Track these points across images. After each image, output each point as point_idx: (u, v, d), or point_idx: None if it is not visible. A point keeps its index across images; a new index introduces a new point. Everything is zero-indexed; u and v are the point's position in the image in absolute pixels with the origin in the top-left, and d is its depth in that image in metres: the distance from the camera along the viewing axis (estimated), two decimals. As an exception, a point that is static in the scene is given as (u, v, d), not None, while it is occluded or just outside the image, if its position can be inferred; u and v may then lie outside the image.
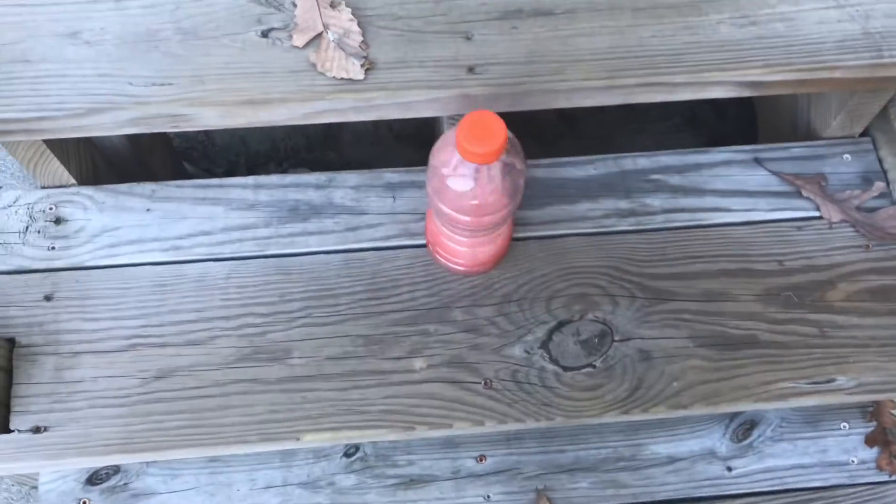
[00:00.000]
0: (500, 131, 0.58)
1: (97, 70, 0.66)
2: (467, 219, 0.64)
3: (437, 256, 0.75)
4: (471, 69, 0.68)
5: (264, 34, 0.68)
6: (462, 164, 0.60)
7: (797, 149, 0.85)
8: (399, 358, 0.72)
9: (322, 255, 0.76)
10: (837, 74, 0.70)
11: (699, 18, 0.71)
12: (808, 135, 0.89)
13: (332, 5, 0.69)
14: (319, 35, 0.68)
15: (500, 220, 0.66)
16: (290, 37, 0.68)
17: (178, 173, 1.12)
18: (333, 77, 0.66)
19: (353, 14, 0.69)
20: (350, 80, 0.66)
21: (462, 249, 0.71)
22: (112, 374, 0.70)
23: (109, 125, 0.65)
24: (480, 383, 0.71)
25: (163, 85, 0.65)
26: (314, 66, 0.66)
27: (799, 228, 0.80)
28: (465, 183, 0.61)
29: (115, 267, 0.74)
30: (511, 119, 0.60)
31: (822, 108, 0.86)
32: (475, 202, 0.62)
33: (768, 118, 1.02)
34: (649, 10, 0.71)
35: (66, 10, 0.68)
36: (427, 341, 0.72)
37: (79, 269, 0.74)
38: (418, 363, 0.72)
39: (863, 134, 0.86)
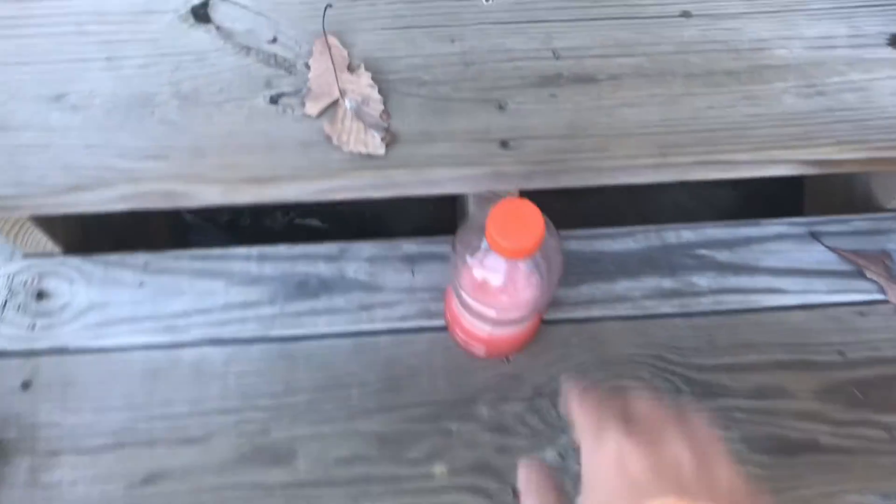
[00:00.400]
0: (538, 224, 0.50)
1: (84, 140, 0.58)
2: (492, 313, 0.57)
3: (456, 337, 0.68)
4: (504, 143, 0.60)
5: (273, 100, 0.61)
6: (490, 254, 0.52)
7: (858, 221, 0.77)
8: (417, 461, 0.64)
9: (331, 339, 0.69)
10: (916, 153, 0.62)
11: (760, 87, 0.63)
12: (868, 205, 0.81)
13: (350, 68, 0.62)
14: (335, 102, 0.60)
15: (528, 314, 0.58)
16: (303, 104, 0.60)
17: (177, 223, 1.05)
18: (350, 151, 0.59)
19: (373, 78, 0.61)
20: (369, 155, 0.59)
21: (484, 335, 0.64)
22: (94, 477, 0.62)
23: (96, 203, 0.58)
24: (509, 493, 0.63)
25: (157, 158, 0.58)
26: (329, 138, 0.59)
27: (862, 314, 0.72)
28: (493, 276, 0.54)
29: (102, 351, 0.67)
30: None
31: (885, 176, 0.78)
32: (503, 297, 0.55)
33: (818, 185, 0.94)
34: (704, 76, 0.63)
35: (53, 70, 0.61)
36: (448, 442, 0.65)
37: (62, 352, 0.67)
38: (438, 468, 0.64)
39: (929, 205, 0.79)
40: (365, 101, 0.60)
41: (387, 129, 0.60)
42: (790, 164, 0.62)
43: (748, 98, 0.63)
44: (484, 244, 0.52)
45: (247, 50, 0.62)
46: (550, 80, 0.63)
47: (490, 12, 0.65)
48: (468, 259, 0.54)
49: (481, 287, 0.55)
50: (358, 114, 0.60)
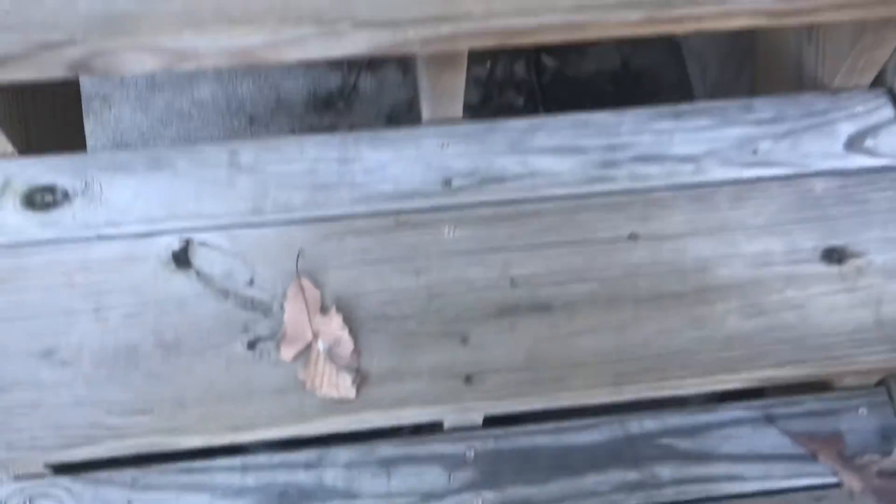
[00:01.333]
0: None
1: (73, 396, 0.62)
2: None
3: None
4: (468, 378, 0.64)
5: (251, 345, 0.65)
6: None
7: (811, 402, 0.81)
8: None
9: (312, 553, 0.72)
10: (853, 368, 0.67)
11: (705, 309, 0.68)
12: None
13: (323, 310, 0.66)
14: (309, 346, 0.64)
15: None
16: (278, 348, 0.64)
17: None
18: (323, 395, 0.63)
19: (344, 319, 0.65)
20: (341, 398, 0.63)
21: None
22: None
23: (83, 457, 0.61)
24: None
25: (142, 412, 0.62)
26: (303, 383, 0.63)
27: (818, 500, 0.76)
28: None
29: (90, 577, 0.70)
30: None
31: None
32: None
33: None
34: (652, 300, 0.68)
35: (42, 325, 0.65)
36: None
37: (53, 577, 0.69)
38: None
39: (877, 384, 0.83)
40: (336, 342, 0.65)
41: (357, 370, 0.64)
42: (734, 383, 0.67)
43: (694, 321, 0.67)
44: None
45: (225, 294, 0.67)
46: (509, 310, 0.67)
47: (452, 242, 0.70)
48: None
49: None
50: (330, 355, 0.64)
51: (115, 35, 0.62)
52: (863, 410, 0.81)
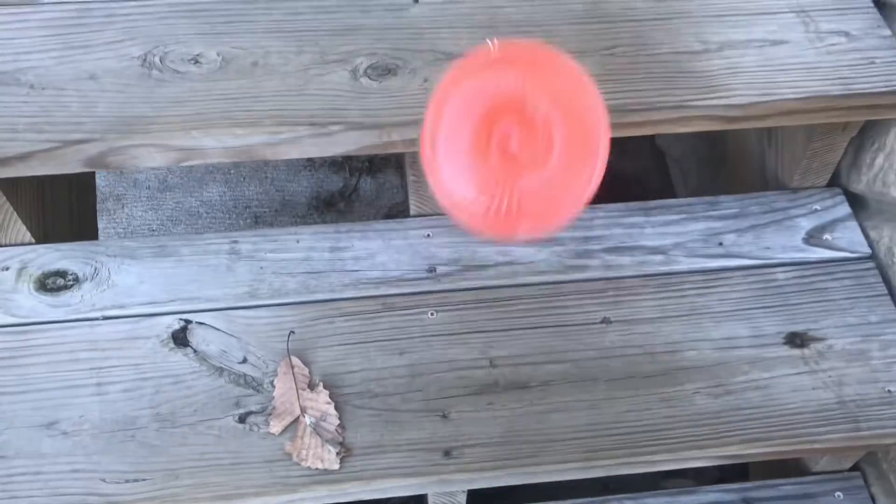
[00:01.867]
0: None
1: (72, 465, 0.65)
2: None
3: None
4: (447, 452, 0.67)
5: (242, 419, 0.68)
6: None
7: (787, 486, 0.83)
8: None
9: None
10: (816, 446, 0.70)
11: (674, 389, 0.72)
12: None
13: (311, 386, 0.70)
14: (296, 420, 0.68)
15: None
16: (268, 422, 0.68)
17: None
18: (309, 467, 0.66)
19: (330, 395, 0.69)
20: (325, 469, 0.66)
21: None
22: None
23: (78, 526, 0.64)
24: None
25: (136, 481, 0.65)
26: (289, 455, 0.66)
27: (795, 583, 0.77)
28: None
29: None
30: None
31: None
32: None
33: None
34: (624, 380, 0.72)
35: (47, 397, 0.69)
36: None
37: None
38: None
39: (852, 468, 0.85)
40: (323, 416, 0.68)
41: (342, 444, 0.67)
42: (703, 460, 0.69)
43: (664, 400, 0.71)
44: None
45: (220, 371, 0.71)
46: (488, 388, 0.71)
47: (434, 325, 0.75)
48: None
49: None
50: (316, 429, 0.67)
51: (129, 134, 0.69)
52: (839, 494, 0.83)
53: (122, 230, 1.35)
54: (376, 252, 0.79)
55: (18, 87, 0.72)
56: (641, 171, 1.43)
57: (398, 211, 1.38)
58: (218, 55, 0.74)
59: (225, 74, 0.73)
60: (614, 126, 0.71)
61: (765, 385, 0.72)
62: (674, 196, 1.36)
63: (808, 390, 0.72)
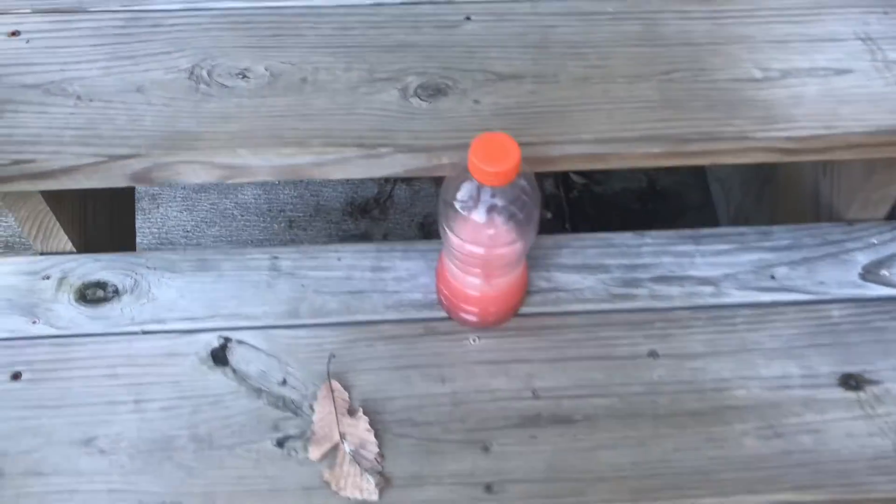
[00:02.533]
0: (514, 152, 0.59)
1: (108, 485, 0.65)
2: (481, 251, 0.64)
3: (451, 306, 0.73)
4: (488, 487, 0.66)
5: (280, 443, 0.67)
6: (477, 190, 0.61)
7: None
8: None
9: None
10: (873, 496, 0.67)
11: (722, 428, 0.69)
12: None
13: (350, 412, 0.69)
14: (336, 446, 0.67)
15: (513, 254, 0.66)
16: (306, 447, 0.67)
17: None
18: (347, 497, 0.64)
19: (370, 422, 0.68)
20: (364, 501, 0.64)
21: (476, 294, 0.70)
22: None
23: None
24: None
25: (172, 504, 0.64)
26: (328, 483, 0.65)
27: None
28: (479, 210, 0.62)
29: None
30: None
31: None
32: (489, 231, 0.63)
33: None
34: (670, 417, 0.70)
35: (85, 413, 0.68)
36: None
37: None
38: None
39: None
40: (362, 444, 0.67)
41: (381, 473, 0.66)
42: (754, 506, 0.67)
43: (711, 440, 0.69)
44: (470, 184, 0.61)
45: (258, 392, 0.70)
46: (531, 420, 0.69)
47: (476, 351, 0.73)
48: (457, 201, 0.62)
49: (465, 224, 0.63)
50: (355, 457, 0.66)
51: (175, 151, 0.68)
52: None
53: (156, 230, 1.35)
54: (418, 273, 0.78)
55: (65, 97, 0.71)
56: (680, 185, 1.41)
57: (433, 220, 1.37)
58: (266, 70, 0.73)
59: (273, 90, 0.72)
60: (673, 155, 0.70)
61: (817, 429, 0.70)
62: (714, 212, 1.34)
63: (864, 436, 0.69)
